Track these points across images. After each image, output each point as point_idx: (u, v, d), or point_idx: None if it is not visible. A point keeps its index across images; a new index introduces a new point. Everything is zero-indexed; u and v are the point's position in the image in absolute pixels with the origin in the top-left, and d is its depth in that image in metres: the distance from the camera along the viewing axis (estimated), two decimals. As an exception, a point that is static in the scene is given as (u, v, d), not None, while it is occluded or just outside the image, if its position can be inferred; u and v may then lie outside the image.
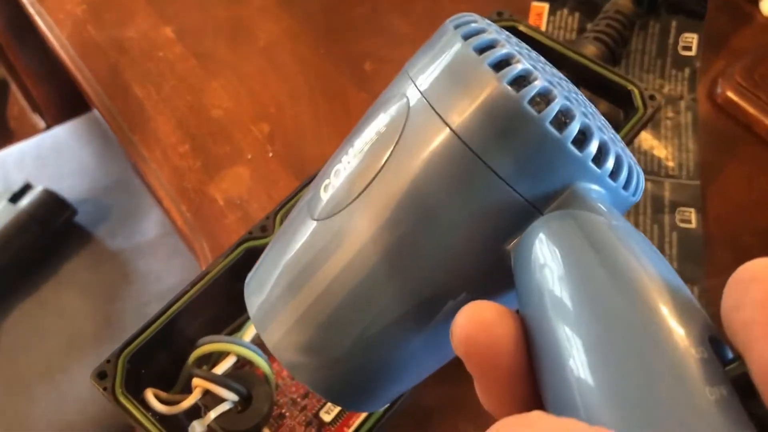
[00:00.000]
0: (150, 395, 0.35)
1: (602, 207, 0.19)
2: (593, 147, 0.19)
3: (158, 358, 0.37)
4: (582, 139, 0.19)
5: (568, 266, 0.17)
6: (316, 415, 0.37)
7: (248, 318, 0.37)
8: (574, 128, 0.19)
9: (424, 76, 0.21)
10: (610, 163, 0.20)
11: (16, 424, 0.68)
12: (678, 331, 0.15)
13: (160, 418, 0.34)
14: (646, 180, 0.48)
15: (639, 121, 0.42)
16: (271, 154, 0.50)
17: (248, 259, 0.38)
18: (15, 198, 0.74)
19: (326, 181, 0.22)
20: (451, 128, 0.20)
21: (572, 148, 0.19)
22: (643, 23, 0.53)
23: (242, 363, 0.38)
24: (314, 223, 0.22)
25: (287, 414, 0.37)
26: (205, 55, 0.54)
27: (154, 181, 0.48)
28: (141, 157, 0.49)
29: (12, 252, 0.73)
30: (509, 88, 0.19)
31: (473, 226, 0.20)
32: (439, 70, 0.21)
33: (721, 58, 0.53)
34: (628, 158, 0.21)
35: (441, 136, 0.20)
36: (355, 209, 0.21)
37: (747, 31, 0.55)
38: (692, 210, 0.46)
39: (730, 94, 0.51)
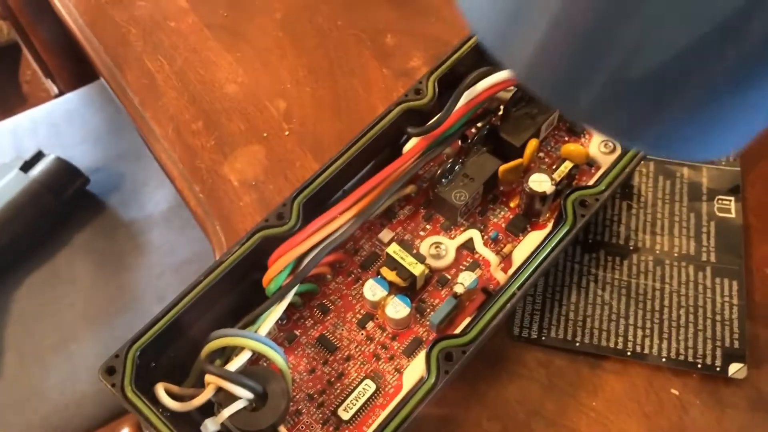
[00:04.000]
0: (161, 390, 0.33)
1: None
2: None
3: (169, 351, 0.36)
4: None
5: None
6: (334, 413, 0.36)
7: (264, 310, 0.35)
8: None
9: None
10: None
11: (29, 394, 0.67)
12: None
13: (171, 413, 0.33)
14: (682, 165, 0.46)
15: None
16: (287, 133, 0.47)
17: (264, 248, 0.36)
18: (27, 166, 0.73)
19: None
20: None
21: None
22: None
23: (257, 357, 0.36)
24: None
25: (304, 411, 0.36)
26: (219, 27, 0.52)
27: (167, 160, 0.47)
28: (152, 135, 0.47)
29: (24, 221, 0.72)
30: None
31: None
32: None
33: None
34: None
35: None
36: None
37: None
38: (732, 198, 0.44)
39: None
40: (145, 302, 0.71)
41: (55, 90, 0.97)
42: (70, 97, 0.85)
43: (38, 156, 0.74)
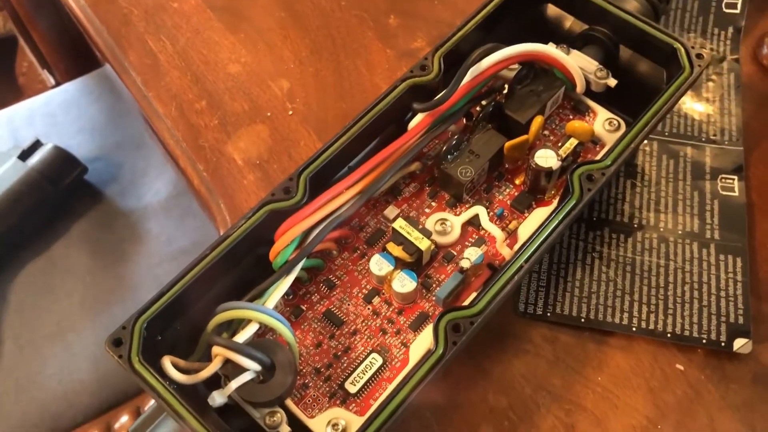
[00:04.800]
0: (167, 363, 0.33)
1: None
2: None
3: (176, 324, 0.35)
4: None
5: None
6: (341, 386, 0.35)
7: (271, 284, 0.35)
8: None
9: None
10: None
11: (27, 383, 0.67)
12: None
13: (178, 387, 0.33)
14: (685, 144, 0.46)
15: (685, 82, 0.39)
16: (291, 112, 0.47)
17: (270, 221, 0.36)
18: (24, 155, 0.73)
19: None
20: None
21: None
22: (686, -22, 0.50)
23: (264, 331, 0.36)
24: None
25: (311, 384, 0.36)
26: (222, 7, 0.52)
27: (170, 139, 0.46)
28: (155, 114, 0.47)
29: (22, 210, 0.72)
30: None
31: None
32: None
33: (767, 16, 0.51)
34: None
35: None
36: None
37: (794, -12, 0.52)
38: (735, 177, 0.44)
39: (776, 55, 0.48)
40: (143, 292, 0.71)
41: (51, 81, 0.97)
42: (68, 87, 0.84)
43: (36, 145, 0.74)
